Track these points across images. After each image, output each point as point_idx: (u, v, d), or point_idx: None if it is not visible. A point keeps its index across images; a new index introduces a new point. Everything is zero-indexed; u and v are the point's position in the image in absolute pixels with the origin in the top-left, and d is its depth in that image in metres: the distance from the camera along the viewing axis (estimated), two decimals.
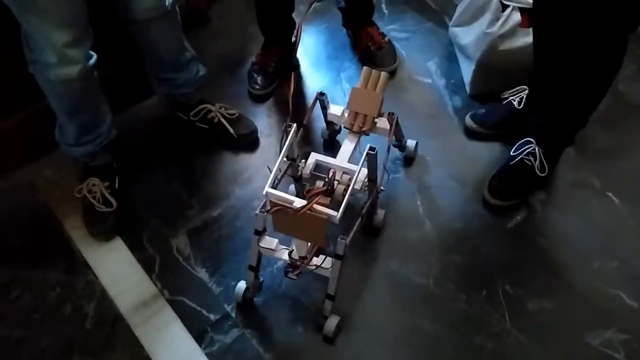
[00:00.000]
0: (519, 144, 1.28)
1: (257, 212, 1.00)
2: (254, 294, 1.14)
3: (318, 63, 1.60)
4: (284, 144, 0.98)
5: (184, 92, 1.38)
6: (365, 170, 1.05)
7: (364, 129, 1.12)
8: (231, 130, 1.39)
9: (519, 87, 1.37)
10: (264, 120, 1.48)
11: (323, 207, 0.91)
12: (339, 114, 1.17)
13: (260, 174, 1.36)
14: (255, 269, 1.08)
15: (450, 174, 1.35)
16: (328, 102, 1.18)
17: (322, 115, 1.23)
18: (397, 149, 1.34)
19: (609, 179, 1.32)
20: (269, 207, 0.92)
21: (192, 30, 1.43)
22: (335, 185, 1.01)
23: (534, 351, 1.08)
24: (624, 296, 1.14)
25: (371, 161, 1.03)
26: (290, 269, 1.01)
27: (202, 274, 1.21)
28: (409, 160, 1.36)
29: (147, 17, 1.17)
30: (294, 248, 1.02)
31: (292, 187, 1.22)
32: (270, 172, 0.96)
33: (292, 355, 1.09)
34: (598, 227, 1.24)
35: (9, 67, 1.16)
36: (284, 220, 0.92)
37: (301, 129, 1.07)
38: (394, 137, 1.20)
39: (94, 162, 1.28)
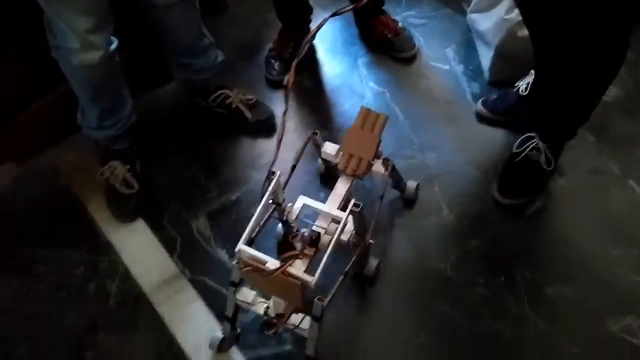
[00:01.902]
0: (521, 140, 1.27)
1: (234, 263, 0.93)
2: (229, 345, 1.08)
3: (334, 49, 1.60)
4: (265, 191, 0.91)
5: (202, 78, 1.39)
6: (350, 224, 0.96)
7: (357, 172, 1.03)
8: (249, 116, 1.40)
9: (528, 73, 1.35)
10: (281, 106, 1.48)
11: (298, 271, 0.85)
12: (333, 153, 1.08)
13: (277, 159, 1.36)
14: (231, 320, 1.02)
15: (468, 160, 1.34)
16: (321, 141, 1.09)
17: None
18: (397, 191, 1.25)
19: (629, 165, 1.30)
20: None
21: (210, 17, 1.44)
22: (322, 234, 0.95)
23: (552, 337, 1.08)
24: None
25: (356, 217, 0.95)
26: (267, 327, 0.94)
27: (222, 254, 1.22)
28: (409, 202, 1.27)
29: (167, 3, 1.18)
30: (271, 305, 0.96)
31: (280, 226, 1.14)
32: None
33: None
34: (618, 214, 1.23)
35: (32, 51, 1.18)
36: (259, 279, 0.86)
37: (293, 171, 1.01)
38: (391, 181, 1.13)
39: (115, 145, 1.30)
